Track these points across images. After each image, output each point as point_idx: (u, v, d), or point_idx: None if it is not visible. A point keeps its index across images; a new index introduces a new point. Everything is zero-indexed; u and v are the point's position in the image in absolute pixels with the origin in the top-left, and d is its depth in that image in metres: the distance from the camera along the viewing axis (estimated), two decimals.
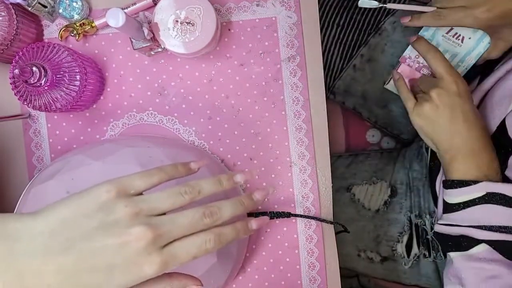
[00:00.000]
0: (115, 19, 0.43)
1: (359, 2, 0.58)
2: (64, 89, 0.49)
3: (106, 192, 0.32)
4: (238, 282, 0.57)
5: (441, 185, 0.63)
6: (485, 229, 0.51)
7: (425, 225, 0.70)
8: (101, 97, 0.56)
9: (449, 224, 0.54)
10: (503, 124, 0.55)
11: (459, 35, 0.63)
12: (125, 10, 0.54)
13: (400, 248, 0.72)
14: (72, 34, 0.54)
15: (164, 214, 0.34)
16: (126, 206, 0.32)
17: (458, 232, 0.53)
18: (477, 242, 0.52)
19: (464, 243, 0.53)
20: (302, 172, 0.57)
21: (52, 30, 0.56)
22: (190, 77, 0.56)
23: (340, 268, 0.58)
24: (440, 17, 0.58)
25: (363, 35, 0.76)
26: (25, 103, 0.49)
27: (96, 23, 0.54)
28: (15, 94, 0.49)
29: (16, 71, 0.45)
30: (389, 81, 0.67)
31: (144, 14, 0.50)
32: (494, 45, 0.61)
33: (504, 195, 0.50)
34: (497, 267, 0.51)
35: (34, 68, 0.46)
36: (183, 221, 0.33)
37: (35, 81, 0.47)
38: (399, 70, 0.65)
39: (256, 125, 0.56)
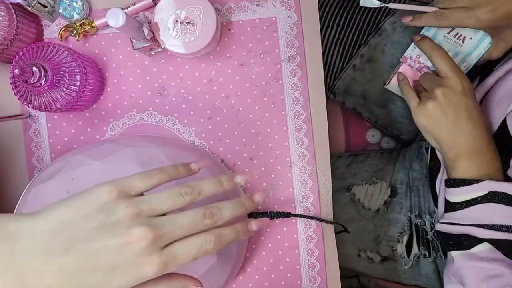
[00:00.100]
0: (115, 19, 0.43)
1: (361, 1, 0.58)
2: (64, 89, 0.49)
3: (107, 193, 0.32)
4: (238, 282, 0.57)
5: (442, 184, 0.63)
6: (487, 228, 0.51)
7: (425, 225, 0.70)
8: (101, 97, 0.56)
9: (451, 223, 0.54)
10: (504, 124, 0.55)
11: (460, 35, 0.63)
12: (125, 10, 0.54)
13: (400, 248, 0.72)
14: (72, 34, 0.54)
15: (165, 215, 0.34)
16: (127, 207, 0.32)
17: (460, 231, 0.53)
18: (479, 241, 0.52)
19: (465, 242, 0.53)
20: (302, 172, 0.57)
21: (52, 30, 0.56)
22: (190, 77, 0.56)
23: (340, 268, 0.58)
24: (442, 18, 0.57)
25: (363, 35, 0.76)
26: (25, 103, 0.49)
27: (96, 23, 0.54)
28: (15, 94, 0.49)
29: (16, 71, 0.45)
30: (389, 81, 0.67)
31: (144, 14, 0.50)
32: (495, 45, 0.61)
33: (507, 194, 0.50)
34: (498, 266, 0.51)
35: (34, 68, 0.46)
36: (183, 222, 0.33)
37: (35, 81, 0.46)
38: (400, 70, 0.65)
39: (256, 125, 0.56)
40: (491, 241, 0.51)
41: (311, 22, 0.56)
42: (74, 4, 0.53)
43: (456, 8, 0.57)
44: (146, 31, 0.48)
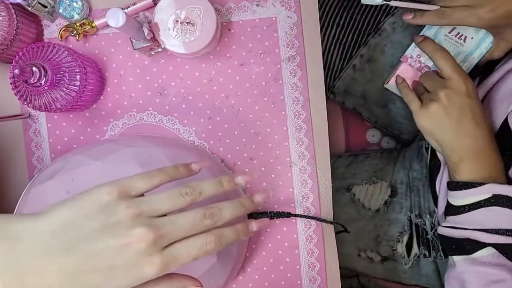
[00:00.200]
0: (115, 19, 0.43)
1: None
2: (64, 89, 0.49)
3: (108, 194, 0.32)
4: (238, 282, 0.57)
5: (442, 184, 0.63)
6: (491, 233, 0.50)
7: (425, 225, 0.70)
8: (101, 97, 0.56)
9: (453, 227, 0.54)
10: (505, 123, 0.55)
11: (462, 34, 0.63)
12: (125, 10, 0.54)
13: (400, 248, 0.72)
14: (72, 34, 0.54)
15: (165, 215, 0.34)
16: (127, 208, 0.32)
17: (463, 235, 0.52)
18: (482, 245, 0.51)
19: (468, 246, 0.52)
20: (302, 172, 0.57)
21: (52, 30, 0.55)
22: (190, 77, 0.56)
23: (340, 268, 0.58)
24: (443, 16, 0.57)
25: (363, 35, 0.76)
26: (25, 103, 0.49)
27: (96, 23, 0.54)
28: (15, 94, 0.49)
29: (16, 71, 0.45)
30: (389, 80, 0.67)
31: (144, 14, 0.50)
32: (496, 45, 0.61)
33: (511, 198, 0.50)
34: (501, 271, 0.50)
35: (34, 68, 0.46)
36: (183, 222, 0.33)
37: (35, 81, 0.46)
38: (400, 70, 0.65)
39: (256, 125, 0.56)
40: (495, 246, 0.50)
41: (311, 22, 0.56)
42: (74, 4, 0.53)
43: (457, 7, 0.56)
44: (146, 31, 0.48)
